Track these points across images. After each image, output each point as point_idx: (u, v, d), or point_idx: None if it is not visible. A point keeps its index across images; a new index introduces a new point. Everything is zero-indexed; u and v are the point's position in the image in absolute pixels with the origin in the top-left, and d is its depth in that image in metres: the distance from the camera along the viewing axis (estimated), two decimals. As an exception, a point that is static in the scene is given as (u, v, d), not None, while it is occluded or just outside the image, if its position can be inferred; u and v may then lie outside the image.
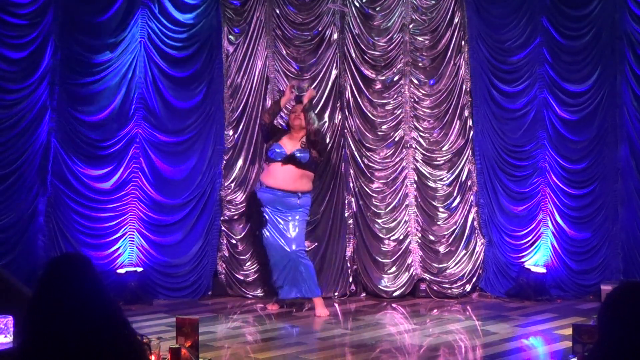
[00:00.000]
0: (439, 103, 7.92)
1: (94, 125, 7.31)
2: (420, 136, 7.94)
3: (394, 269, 7.86)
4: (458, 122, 7.90)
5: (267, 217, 7.22)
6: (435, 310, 7.30)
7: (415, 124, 7.94)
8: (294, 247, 7.14)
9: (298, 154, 7.18)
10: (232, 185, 7.83)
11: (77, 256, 2.52)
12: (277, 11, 7.86)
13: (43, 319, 2.32)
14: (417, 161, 7.93)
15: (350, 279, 7.91)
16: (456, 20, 7.87)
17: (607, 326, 2.53)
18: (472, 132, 7.89)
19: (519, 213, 7.90)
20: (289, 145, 7.22)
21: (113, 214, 7.41)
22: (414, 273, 7.83)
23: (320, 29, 7.89)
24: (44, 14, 6.87)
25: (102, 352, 2.34)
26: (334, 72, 7.89)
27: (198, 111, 7.72)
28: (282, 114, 7.72)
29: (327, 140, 7.70)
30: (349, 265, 7.90)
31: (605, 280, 7.61)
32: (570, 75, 7.85)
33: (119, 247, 7.43)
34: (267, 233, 7.21)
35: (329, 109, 7.82)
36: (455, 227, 7.87)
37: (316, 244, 7.80)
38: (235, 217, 7.82)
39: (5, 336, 4.39)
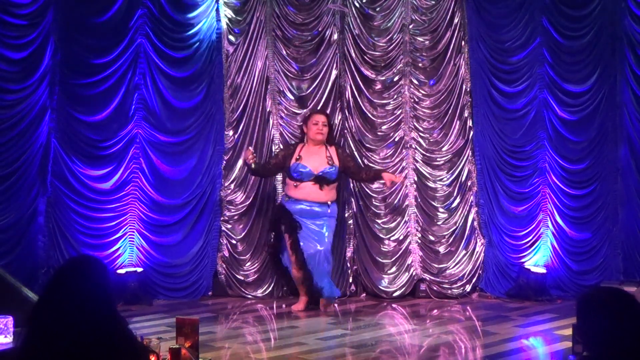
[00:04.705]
0: (439, 103, 7.92)
1: (94, 125, 7.30)
2: (420, 136, 7.94)
3: (394, 269, 7.86)
4: (458, 122, 7.90)
5: (299, 223, 7.13)
6: (435, 311, 7.30)
7: (415, 124, 7.94)
8: (321, 249, 7.12)
9: (328, 170, 7.13)
10: (232, 185, 7.83)
11: (92, 259, 2.49)
12: (277, 11, 7.86)
13: (50, 319, 2.31)
14: (417, 161, 7.93)
15: (350, 279, 7.92)
16: (456, 20, 7.87)
17: (592, 336, 2.56)
18: (472, 133, 7.89)
19: (519, 213, 7.90)
20: (314, 162, 7.14)
21: (113, 214, 7.40)
22: (414, 273, 7.83)
23: (320, 29, 7.88)
24: (44, 14, 6.86)
25: (103, 355, 2.34)
26: (334, 73, 7.89)
27: (198, 111, 7.72)
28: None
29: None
30: (349, 265, 7.90)
31: (605, 281, 7.61)
32: (570, 76, 7.85)
33: (119, 248, 7.43)
34: (302, 241, 7.12)
35: (329, 110, 7.81)
36: (455, 227, 7.87)
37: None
38: (235, 217, 7.82)
39: (5, 336, 4.39)
